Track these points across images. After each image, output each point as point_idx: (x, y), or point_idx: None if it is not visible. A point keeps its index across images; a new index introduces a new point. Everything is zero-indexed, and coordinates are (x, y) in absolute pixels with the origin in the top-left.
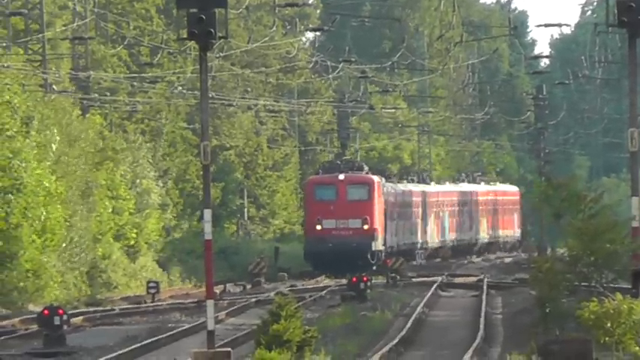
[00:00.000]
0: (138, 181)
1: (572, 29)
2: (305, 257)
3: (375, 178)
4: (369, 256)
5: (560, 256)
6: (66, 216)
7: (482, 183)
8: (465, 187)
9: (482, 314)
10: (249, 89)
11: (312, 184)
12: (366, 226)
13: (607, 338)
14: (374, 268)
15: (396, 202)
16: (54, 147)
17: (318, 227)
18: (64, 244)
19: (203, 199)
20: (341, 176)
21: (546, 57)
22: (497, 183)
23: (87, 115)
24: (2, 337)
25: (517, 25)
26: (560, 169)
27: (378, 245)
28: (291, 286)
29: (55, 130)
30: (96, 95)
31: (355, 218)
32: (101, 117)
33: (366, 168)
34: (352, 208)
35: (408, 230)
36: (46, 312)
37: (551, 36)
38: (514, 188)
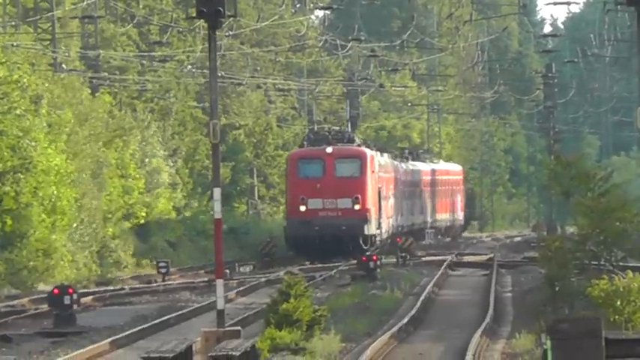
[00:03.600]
0: (147, 160)
1: (582, 7)
2: (286, 242)
3: (368, 152)
4: (360, 241)
5: (569, 234)
6: (76, 195)
7: (427, 161)
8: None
9: (492, 293)
10: (258, 68)
11: (295, 158)
12: (357, 207)
13: (617, 317)
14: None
15: (400, 180)
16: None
17: (302, 208)
18: (74, 224)
19: (213, 178)
20: (329, 149)
21: (554, 35)
22: (440, 161)
23: (97, 94)
24: (12, 317)
25: (526, 4)
26: (570, 148)
27: (371, 228)
28: (301, 265)
29: (66, 109)
30: (105, 74)
31: (345, 197)
32: (110, 96)
33: (357, 140)
34: (341, 186)
35: (409, 210)
36: (56, 291)
37: (551, 15)
38: (457, 167)
